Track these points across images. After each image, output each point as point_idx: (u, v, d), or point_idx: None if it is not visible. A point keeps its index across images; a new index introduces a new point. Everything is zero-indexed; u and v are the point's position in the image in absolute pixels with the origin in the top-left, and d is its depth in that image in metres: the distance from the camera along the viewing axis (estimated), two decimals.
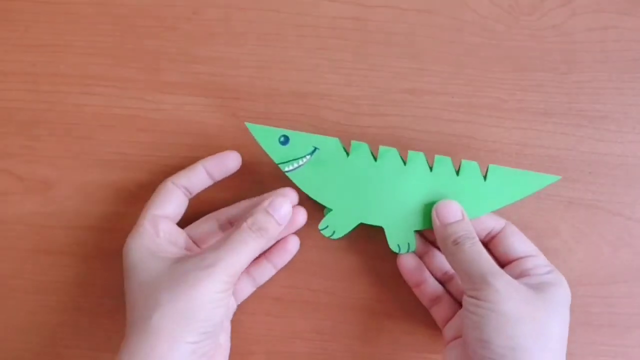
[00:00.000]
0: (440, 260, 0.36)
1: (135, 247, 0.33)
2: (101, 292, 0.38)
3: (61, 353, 0.38)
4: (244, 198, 0.37)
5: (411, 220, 0.34)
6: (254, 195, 0.36)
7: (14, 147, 0.39)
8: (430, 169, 0.34)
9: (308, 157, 0.34)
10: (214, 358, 0.33)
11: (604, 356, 0.37)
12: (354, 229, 0.35)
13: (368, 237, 0.37)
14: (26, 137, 0.39)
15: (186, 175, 0.35)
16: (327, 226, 0.35)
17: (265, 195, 0.35)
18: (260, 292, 0.37)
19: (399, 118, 0.38)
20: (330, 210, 0.35)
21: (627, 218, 0.37)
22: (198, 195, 0.36)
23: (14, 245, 0.38)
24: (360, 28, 0.39)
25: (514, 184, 0.34)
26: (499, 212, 0.35)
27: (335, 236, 0.35)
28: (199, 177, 0.35)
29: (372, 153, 0.35)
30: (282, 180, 0.35)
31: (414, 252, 0.35)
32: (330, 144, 0.34)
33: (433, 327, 0.37)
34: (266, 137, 0.34)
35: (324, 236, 0.35)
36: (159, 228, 0.33)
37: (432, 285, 0.36)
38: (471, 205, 0.34)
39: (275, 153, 0.34)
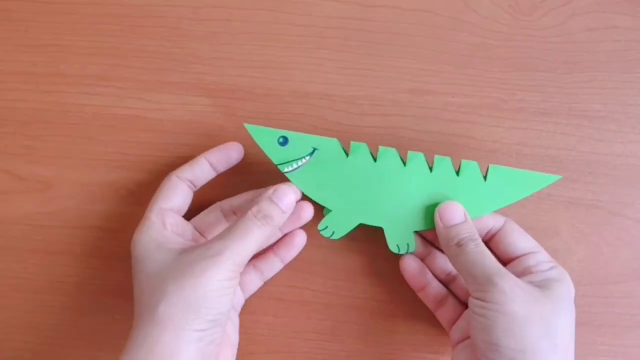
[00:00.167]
0: (443, 262, 0.36)
1: (142, 239, 0.33)
2: (101, 292, 0.38)
3: (61, 353, 0.38)
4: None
5: (411, 221, 0.34)
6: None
7: (14, 147, 0.39)
8: (430, 169, 0.34)
9: (307, 157, 0.34)
10: (221, 347, 0.33)
11: (604, 356, 0.37)
12: (354, 229, 0.35)
13: (368, 237, 0.37)
14: (26, 137, 0.39)
15: (190, 169, 0.35)
16: (327, 227, 0.35)
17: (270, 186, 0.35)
18: (260, 292, 0.37)
19: (399, 118, 0.38)
20: (329, 210, 0.35)
21: (627, 218, 0.37)
22: (202, 188, 0.36)
23: (14, 245, 0.38)
24: (361, 28, 0.39)
25: (514, 184, 0.34)
26: (499, 211, 0.35)
27: (334, 237, 0.35)
28: (202, 170, 0.35)
29: (371, 153, 0.35)
30: (282, 180, 0.35)
31: (413, 252, 0.35)
32: (329, 145, 0.34)
33: (433, 327, 0.37)
34: (265, 138, 0.34)
35: (323, 236, 0.35)
36: (166, 221, 0.34)
37: (436, 288, 0.36)
38: (471, 206, 0.34)
39: (274, 154, 0.34)
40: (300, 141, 0.34)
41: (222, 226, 0.36)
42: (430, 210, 0.34)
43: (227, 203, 0.36)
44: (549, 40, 0.38)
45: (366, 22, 0.39)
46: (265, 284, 0.37)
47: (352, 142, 0.34)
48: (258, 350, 0.38)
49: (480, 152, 0.38)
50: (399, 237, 0.35)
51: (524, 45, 0.38)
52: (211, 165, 0.35)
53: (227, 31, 0.39)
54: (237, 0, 0.39)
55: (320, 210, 0.36)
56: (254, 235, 0.31)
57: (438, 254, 0.36)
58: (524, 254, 0.34)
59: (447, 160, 0.34)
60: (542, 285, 0.31)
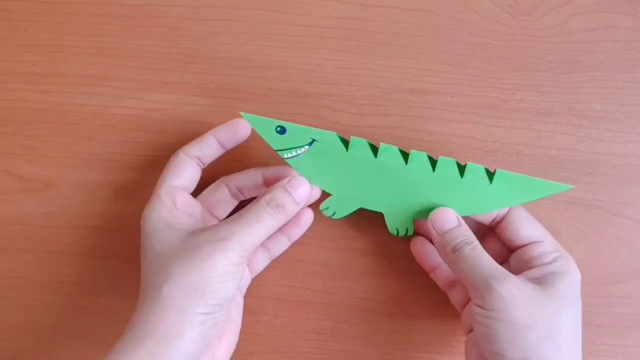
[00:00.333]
0: None
1: (151, 218, 0.33)
2: (101, 292, 0.38)
3: (61, 353, 0.38)
4: None
5: (411, 209, 0.34)
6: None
7: (14, 147, 0.39)
8: (433, 169, 0.34)
9: (306, 147, 0.34)
10: (224, 330, 0.33)
11: (604, 356, 0.37)
12: (355, 212, 0.35)
13: (368, 237, 0.37)
14: (26, 137, 0.39)
15: (198, 146, 0.35)
16: (328, 207, 0.35)
17: (280, 168, 0.35)
18: (260, 292, 0.37)
19: (399, 118, 0.38)
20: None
21: (627, 218, 0.37)
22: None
23: (14, 245, 0.38)
24: (360, 28, 0.39)
25: (521, 189, 0.33)
26: None
27: (335, 217, 0.35)
28: (210, 147, 0.35)
29: (372, 149, 0.34)
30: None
31: (412, 236, 0.36)
32: (328, 138, 0.34)
33: (433, 327, 0.37)
34: (262, 126, 0.34)
35: (324, 216, 0.35)
36: (176, 200, 0.33)
37: (447, 270, 0.35)
38: (472, 205, 0.34)
39: (274, 141, 0.34)
40: (299, 132, 0.34)
41: (230, 205, 0.36)
42: (430, 205, 0.34)
43: (233, 181, 0.36)
44: (549, 40, 0.38)
45: (366, 22, 0.39)
46: (265, 284, 0.37)
47: (352, 137, 0.34)
48: (258, 350, 0.38)
49: (480, 152, 0.38)
50: (399, 222, 0.35)
51: (524, 45, 0.38)
52: (219, 142, 0.35)
53: (227, 31, 0.39)
54: (237, 0, 0.39)
55: (319, 201, 0.36)
56: (264, 223, 0.31)
57: None
58: (529, 243, 0.33)
59: (452, 162, 0.33)
60: (544, 281, 0.31)
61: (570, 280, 0.31)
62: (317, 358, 0.38)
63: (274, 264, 0.37)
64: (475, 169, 0.33)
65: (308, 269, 0.38)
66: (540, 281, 0.31)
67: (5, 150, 0.39)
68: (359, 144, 0.34)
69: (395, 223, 0.35)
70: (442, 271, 0.35)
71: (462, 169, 0.34)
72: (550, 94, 0.38)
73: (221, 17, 0.39)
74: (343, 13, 0.39)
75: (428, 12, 0.39)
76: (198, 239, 0.31)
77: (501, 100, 0.38)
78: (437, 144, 0.38)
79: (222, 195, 0.36)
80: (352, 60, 0.38)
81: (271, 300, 0.38)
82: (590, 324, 0.37)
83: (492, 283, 0.30)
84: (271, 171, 0.35)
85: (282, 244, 0.37)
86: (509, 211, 0.34)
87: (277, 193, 0.32)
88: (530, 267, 0.32)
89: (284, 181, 0.33)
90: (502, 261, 0.34)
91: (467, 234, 0.32)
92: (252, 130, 0.35)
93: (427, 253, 0.35)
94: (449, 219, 0.33)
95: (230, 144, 0.35)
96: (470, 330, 0.33)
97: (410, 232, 0.35)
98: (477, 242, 0.32)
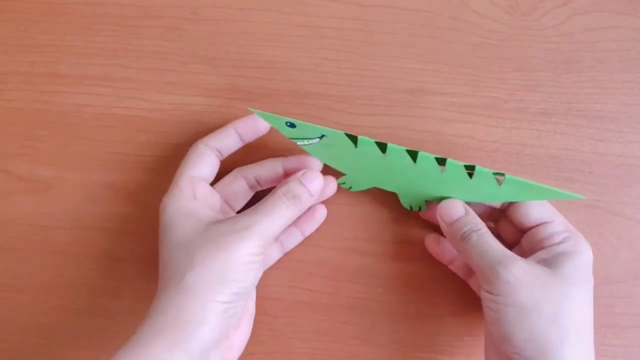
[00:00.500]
0: None
1: (172, 207, 0.33)
2: (101, 292, 0.38)
3: (60, 353, 0.38)
4: None
5: (423, 193, 0.35)
6: None
7: (14, 147, 0.39)
8: (442, 169, 0.33)
9: (317, 139, 0.34)
10: (242, 320, 0.33)
11: (604, 356, 0.37)
12: (370, 189, 0.36)
13: (368, 237, 0.37)
14: (26, 137, 0.39)
15: (218, 138, 0.35)
16: (345, 182, 0.36)
17: (299, 158, 0.35)
18: (260, 292, 0.37)
19: (399, 118, 0.38)
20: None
21: (627, 218, 0.37)
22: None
23: (13, 245, 0.38)
24: (361, 28, 0.39)
25: (530, 193, 0.33)
26: None
27: (353, 190, 0.37)
28: (230, 139, 0.35)
29: (380, 147, 0.34)
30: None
31: (425, 211, 0.36)
32: (336, 136, 0.34)
33: (433, 327, 0.37)
34: (273, 122, 0.34)
35: (343, 188, 0.37)
36: (196, 191, 0.34)
37: (464, 260, 0.35)
38: (482, 196, 0.34)
39: (286, 132, 0.34)
40: (308, 128, 0.34)
41: (247, 196, 0.37)
42: (442, 191, 0.34)
43: (250, 172, 0.36)
44: (549, 40, 0.38)
45: (366, 22, 0.39)
46: (265, 284, 0.37)
47: (359, 137, 0.33)
48: (258, 350, 0.38)
49: (480, 152, 0.38)
50: (412, 201, 0.36)
51: (524, 45, 0.38)
52: (238, 135, 0.35)
53: (227, 31, 0.39)
54: (237, 0, 0.39)
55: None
56: (282, 213, 0.32)
57: None
58: (539, 224, 0.33)
59: (460, 166, 0.33)
60: (553, 263, 0.31)
61: (581, 260, 0.31)
62: (317, 358, 0.38)
63: (274, 264, 0.37)
64: (484, 174, 0.33)
65: (308, 269, 0.38)
66: (550, 262, 0.31)
67: (5, 150, 0.39)
68: (367, 143, 0.34)
69: (408, 201, 0.36)
70: (460, 262, 0.36)
71: (470, 170, 0.33)
72: (550, 94, 0.38)
73: (221, 17, 0.39)
74: (343, 13, 0.39)
75: (428, 12, 0.39)
76: (220, 228, 0.31)
77: (501, 100, 0.38)
78: (437, 144, 0.38)
79: (240, 187, 0.36)
80: (352, 60, 0.38)
81: (271, 300, 0.38)
82: None
83: (497, 268, 0.30)
84: (291, 161, 0.36)
85: (295, 238, 0.37)
86: None
87: (293, 185, 0.33)
88: (541, 249, 0.32)
89: (299, 174, 0.34)
90: (515, 243, 0.35)
91: (474, 222, 0.33)
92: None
93: (443, 249, 0.36)
94: (456, 209, 0.34)
95: (250, 137, 0.36)
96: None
97: (423, 209, 0.36)
98: (484, 229, 0.33)
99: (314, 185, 0.34)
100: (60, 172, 0.39)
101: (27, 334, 0.38)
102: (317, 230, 0.37)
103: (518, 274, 0.30)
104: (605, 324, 0.37)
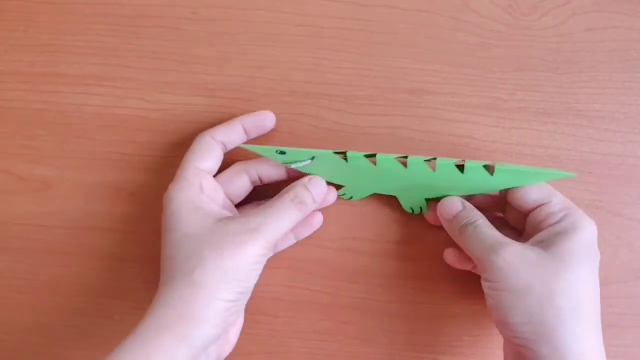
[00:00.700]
0: None
1: (179, 198, 0.33)
2: (100, 292, 0.38)
3: (60, 353, 0.38)
4: None
5: (422, 194, 0.36)
6: None
7: (14, 147, 0.39)
8: (433, 169, 0.34)
9: (309, 161, 0.35)
10: (239, 319, 0.34)
11: None
12: (371, 195, 0.37)
13: (367, 237, 0.37)
14: (26, 137, 0.39)
15: (225, 131, 0.35)
16: (345, 193, 0.37)
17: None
18: (260, 292, 0.37)
19: (399, 118, 0.38)
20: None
21: (627, 218, 0.37)
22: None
23: (13, 245, 0.38)
24: (360, 28, 0.39)
25: (521, 179, 0.33)
26: None
27: (354, 199, 0.37)
28: (236, 133, 0.36)
29: (370, 158, 0.35)
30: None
31: (426, 213, 0.37)
32: (325, 155, 0.35)
33: (433, 327, 0.37)
34: (264, 152, 0.35)
35: (344, 199, 0.37)
36: (203, 183, 0.34)
37: None
38: (478, 189, 0.34)
39: (278, 159, 0.35)
40: (297, 153, 0.35)
41: (247, 191, 0.37)
42: (439, 190, 0.35)
43: (253, 168, 0.36)
44: (548, 40, 0.38)
45: (366, 22, 0.39)
46: (265, 284, 0.37)
47: (348, 154, 0.34)
48: (258, 350, 0.38)
49: (480, 152, 0.38)
50: (413, 203, 0.36)
51: (524, 45, 0.38)
52: (244, 129, 0.36)
53: (226, 31, 0.39)
54: (237, 0, 0.39)
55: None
56: (289, 217, 0.33)
57: None
58: (537, 206, 0.33)
59: (450, 164, 0.34)
60: (550, 243, 0.31)
61: (579, 237, 0.31)
62: (317, 358, 0.38)
63: (274, 264, 0.37)
64: (474, 168, 0.34)
65: (308, 269, 0.38)
66: (546, 243, 0.31)
67: (5, 150, 0.39)
68: (356, 158, 0.35)
69: (409, 204, 0.36)
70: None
71: (461, 168, 0.34)
72: (550, 94, 0.38)
73: (221, 17, 0.39)
74: (343, 13, 0.39)
75: (428, 12, 0.39)
76: (229, 227, 0.32)
77: (501, 100, 0.38)
78: (437, 144, 0.38)
79: (242, 182, 0.36)
80: (351, 60, 0.38)
81: (270, 300, 0.38)
82: None
83: (489, 255, 0.31)
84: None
85: (289, 241, 0.37)
86: None
87: (300, 190, 0.34)
88: (540, 230, 0.32)
89: (305, 179, 0.35)
90: (524, 228, 0.35)
91: (471, 215, 0.33)
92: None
93: (461, 259, 0.36)
94: (454, 205, 0.34)
95: (255, 132, 0.36)
96: None
97: (425, 211, 0.36)
98: (481, 220, 0.33)
99: (318, 192, 0.35)
100: (60, 171, 0.39)
101: (27, 334, 0.38)
102: (318, 230, 0.37)
103: (509, 258, 0.30)
104: (605, 324, 0.37)
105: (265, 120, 0.37)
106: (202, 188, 0.34)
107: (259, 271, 0.32)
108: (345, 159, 0.35)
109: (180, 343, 0.29)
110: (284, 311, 0.38)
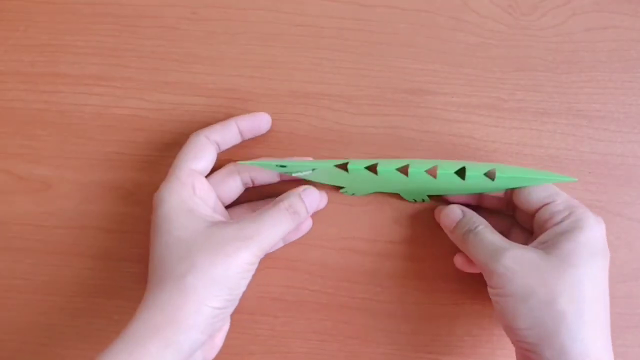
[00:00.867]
0: None
1: (172, 200, 0.32)
2: (100, 292, 0.38)
3: (60, 353, 0.38)
4: None
5: (423, 190, 0.36)
6: None
7: (14, 147, 0.39)
8: (434, 177, 0.34)
9: (309, 172, 0.35)
10: (225, 325, 0.34)
11: None
12: (372, 193, 0.37)
13: (367, 237, 0.37)
14: (26, 137, 0.39)
15: (220, 131, 0.35)
16: (347, 190, 0.37)
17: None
18: (260, 292, 0.37)
19: (399, 118, 0.38)
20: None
21: (627, 218, 0.37)
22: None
23: (13, 245, 0.38)
24: (360, 28, 0.39)
25: (523, 182, 0.33)
26: None
27: (356, 195, 0.37)
28: (231, 134, 0.36)
29: (370, 169, 0.34)
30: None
31: (428, 202, 0.37)
32: (326, 167, 0.35)
33: (433, 327, 0.37)
34: (264, 166, 0.35)
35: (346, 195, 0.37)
36: (196, 185, 0.33)
37: None
38: (480, 190, 0.34)
39: (278, 171, 0.35)
40: (298, 165, 0.35)
41: (239, 192, 0.36)
42: (440, 187, 0.35)
43: (246, 170, 0.36)
44: (548, 40, 0.38)
45: (365, 22, 0.39)
46: (265, 284, 0.37)
47: (349, 165, 0.34)
48: (257, 350, 0.38)
49: (480, 152, 0.38)
50: (415, 196, 0.37)
51: (524, 45, 0.38)
52: (240, 130, 0.36)
53: (226, 31, 0.39)
54: (236, 0, 0.39)
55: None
56: (282, 227, 0.33)
57: None
58: (542, 206, 0.32)
59: (450, 173, 0.33)
60: (552, 244, 0.30)
61: (583, 236, 0.30)
62: (316, 358, 0.38)
63: (274, 264, 0.37)
64: (476, 176, 0.33)
65: (307, 269, 0.38)
66: (549, 244, 0.30)
67: (5, 150, 0.39)
68: (357, 169, 0.34)
69: (411, 196, 0.37)
70: None
71: (462, 175, 0.33)
72: (550, 94, 0.38)
73: (220, 17, 0.39)
74: (343, 13, 0.39)
75: (428, 12, 0.39)
76: (223, 234, 0.31)
77: (501, 100, 0.38)
78: (437, 144, 0.38)
79: (234, 183, 0.36)
80: (351, 60, 0.38)
81: (270, 300, 0.38)
82: None
83: (490, 261, 0.31)
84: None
85: (277, 245, 0.37)
86: None
87: (294, 200, 0.34)
88: (545, 230, 0.32)
89: (300, 189, 0.34)
90: (532, 228, 0.34)
91: (471, 221, 0.33)
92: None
93: (470, 263, 0.35)
94: (454, 215, 0.34)
95: (250, 134, 0.36)
96: None
97: (427, 200, 0.37)
98: (481, 226, 0.33)
99: (312, 202, 0.35)
100: (60, 171, 0.39)
101: (27, 334, 0.38)
102: (318, 230, 0.37)
103: (508, 264, 0.30)
104: None
105: (261, 122, 0.37)
106: (194, 189, 0.33)
107: (249, 279, 0.32)
108: (347, 170, 0.34)
109: (167, 349, 0.29)
110: (283, 311, 0.38)
